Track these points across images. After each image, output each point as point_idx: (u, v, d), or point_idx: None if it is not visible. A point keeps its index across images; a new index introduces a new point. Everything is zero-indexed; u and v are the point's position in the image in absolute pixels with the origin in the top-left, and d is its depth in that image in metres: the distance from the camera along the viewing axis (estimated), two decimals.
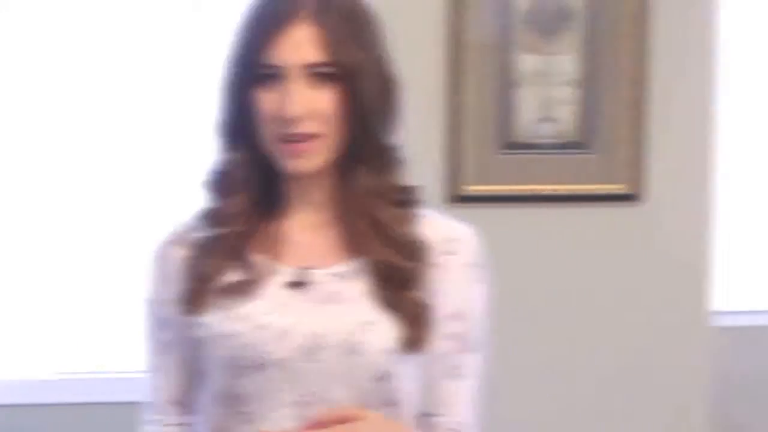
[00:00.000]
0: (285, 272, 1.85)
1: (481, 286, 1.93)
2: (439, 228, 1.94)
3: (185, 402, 2.02)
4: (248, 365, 1.84)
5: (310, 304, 1.84)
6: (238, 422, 1.88)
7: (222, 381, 1.88)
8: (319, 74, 1.71)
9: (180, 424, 2.05)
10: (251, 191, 1.89)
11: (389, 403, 1.85)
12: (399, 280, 1.83)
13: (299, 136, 1.71)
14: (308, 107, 1.73)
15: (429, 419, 1.94)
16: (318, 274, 1.84)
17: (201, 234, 1.94)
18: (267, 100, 1.73)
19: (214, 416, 1.94)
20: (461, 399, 1.96)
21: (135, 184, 3.86)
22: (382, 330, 1.80)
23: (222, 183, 1.92)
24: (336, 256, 1.90)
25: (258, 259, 1.88)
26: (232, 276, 1.85)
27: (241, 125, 1.84)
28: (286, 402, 1.84)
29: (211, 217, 1.92)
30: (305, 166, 1.77)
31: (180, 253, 1.93)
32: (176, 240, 1.97)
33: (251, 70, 1.77)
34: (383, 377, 1.83)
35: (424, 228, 1.90)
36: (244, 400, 1.87)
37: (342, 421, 1.74)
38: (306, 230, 1.94)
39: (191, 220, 1.97)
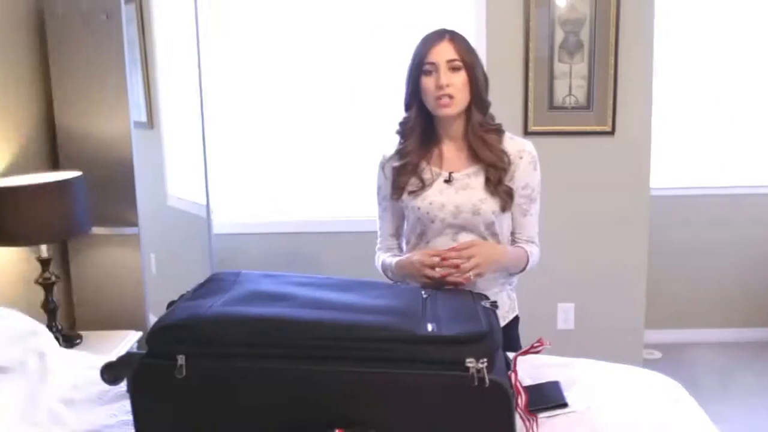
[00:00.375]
0: (443, 174, 2.96)
1: (536, 172, 3.00)
2: (515, 144, 2.98)
3: (395, 234, 3.21)
4: (427, 219, 2.98)
5: (454, 191, 2.94)
6: (423, 244, 3.02)
7: (416, 225, 3.02)
8: (453, 66, 2.84)
9: (393, 246, 3.22)
10: (419, 132, 3.00)
11: (493, 235, 2.98)
12: (498, 179, 2.90)
13: (446, 96, 2.84)
14: (449, 82, 2.84)
15: (514, 237, 3.07)
16: (457, 175, 2.94)
17: (395, 155, 3.05)
18: (428, 81, 2.85)
19: (413, 241, 3.08)
20: (529, 225, 3.06)
21: (363, 132, 5.52)
22: (489, 203, 2.90)
23: (403, 128, 3.03)
24: (466, 163, 2.97)
25: (428, 168, 2.98)
26: (416, 180, 2.97)
27: (413, 97, 2.95)
28: (446, 235, 2.99)
29: (400, 148, 3.04)
30: (449, 112, 2.88)
31: (388, 164, 3.06)
32: (385, 156, 3.09)
33: (420, 66, 2.86)
34: (491, 224, 2.95)
35: (507, 144, 2.96)
36: (425, 234, 3.02)
37: (469, 246, 2.77)
38: (451, 150, 3.00)
39: (395, 146, 3.07)
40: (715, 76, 6.30)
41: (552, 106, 5.21)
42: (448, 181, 2.94)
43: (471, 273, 2.71)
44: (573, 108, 5.20)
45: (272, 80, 5.60)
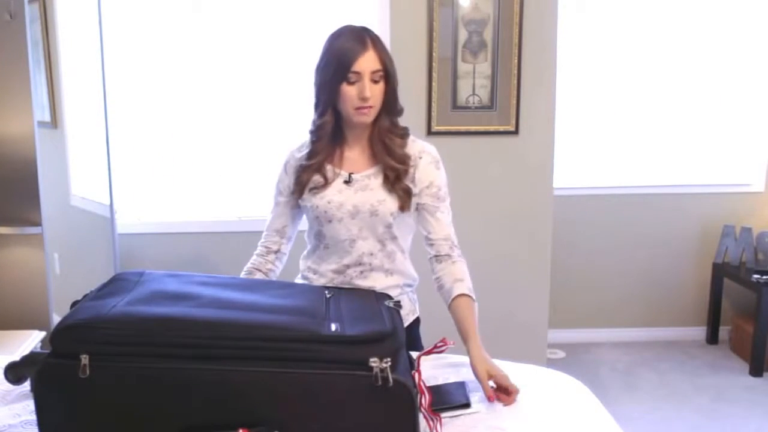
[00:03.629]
0: (343, 175, 2.97)
1: (440, 171, 3.02)
2: (416, 146, 3.01)
3: (280, 232, 3.18)
4: (325, 219, 2.98)
5: (353, 191, 2.94)
6: (321, 247, 3.05)
7: (314, 224, 3.04)
8: (375, 76, 2.81)
9: (272, 245, 3.20)
10: (330, 135, 2.96)
11: (392, 238, 3.00)
12: (396, 176, 2.91)
13: (366, 107, 2.82)
14: (372, 93, 2.80)
15: (429, 239, 3.04)
16: (357, 176, 2.96)
17: (305, 155, 3.02)
18: (350, 89, 2.80)
19: (312, 242, 3.10)
20: (443, 225, 3.01)
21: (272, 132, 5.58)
22: (387, 204, 2.91)
23: (317, 131, 2.97)
24: (366, 164, 2.98)
25: (330, 168, 2.98)
26: (319, 178, 2.96)
27: (328, 102, 2.89)
28: (343, 237, 2.96)
29: (311, 149, 3.00)
30: (367, 120, 2.88)
31: (295, 162, 3.04)
32: (293, 154, 3.07)
33: (343, 74, 2.78)
34: (389, 225, 2.96)
35: (409, 147, 2.98)
36: (323, 234, 3.02)
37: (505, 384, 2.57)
38: (354, 151, 3.00)
39: (302, 145, 3.06)
40: (618, 77, 6.46)
41: (455, 106, 5.25)
42: (347, 181, 2.95)
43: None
44: (476, 108, 5.24)
45: (176, 80, 5.62)
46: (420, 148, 2.99)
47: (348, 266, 2.99)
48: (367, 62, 2.78)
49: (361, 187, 2.93)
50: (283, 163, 3.12)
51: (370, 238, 2.97)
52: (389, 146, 2.92)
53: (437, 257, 3.00)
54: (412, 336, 3.08)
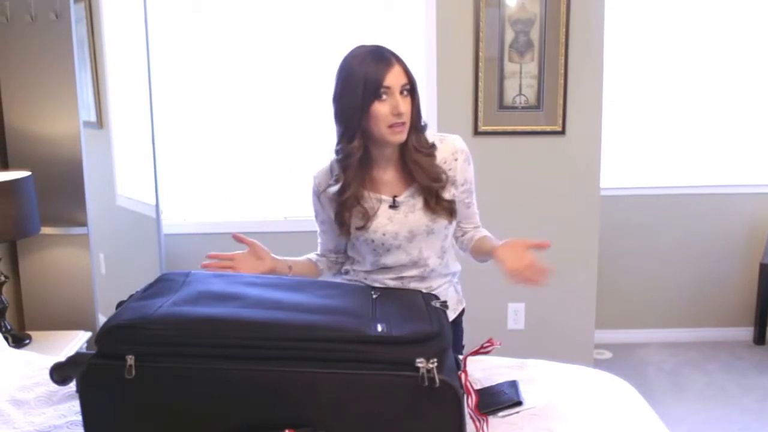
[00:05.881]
0: (386, 200, 2.90)
1: (470, 165, 3.00)
2: (446, 146, 2.96)
3: (335, 251, 3.18)
4: (383, 249, 2.96)
5: (403, 215, 2.90)
6: (379, 265, 3.00)
7: (371, 256, 2.99)
8: (405, 90, 2.74)
9: (332, 260, 3.21)
10: (359, 162, 2.84)
11: (444, 237, 3.01)
12: (435, 196, 2.89)
13: (400, 123, 2.73)
14: (406, 108, 2.74)
15: (461, 226, 3.10)
16: (401, 198, 2.91)
17: (337, 190, 2.89)
18: (382, 107, 2.71)
19: (370, 261, 3.01)
20: (474, 215, 3.11)
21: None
22: (441, 219, 2.93)
23: (346, 159, 2.84)
24: (403, 185, 2.92)
25: (368, 195, 2.90)
26: (361, 211, 2.88)
27: (357, 127, 2.77)
28: (404, 261, 2.97)
29: (342, 182, 2.87)
30: (402, 138, 2.79)
31: (328, 196, 2.94)
32: (321, 183, 2.98)
33: (375, 92, 2.69)
34: (445, 237, 3.01)
35: (439, 150, 2.91)
36: (384, 262, 2.98)
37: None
38: (387, 174, 2.93)
39: (325, 170, 2.97)
40: (665, 75, 6.33)
41: (502, 106, 5.21)
42: (393, 206, 2.90)
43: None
44: (523, 108, 5.21)
45: (221, 79, 5.59)
46: (452, 149, 2.95)
47: (406, 277, 3.00)
48: (395, 77, 2.71)
49: (409, 209, 2.90)
50: (312, 191, 3.03)
51: (432, 255, 2.98)
52: (421, 164, 2.86)
53: (464, 234, 3.13)
54: (456, 326, 3.13)
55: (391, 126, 2.71)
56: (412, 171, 2.85)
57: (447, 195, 2.91)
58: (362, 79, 2.68)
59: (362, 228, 2.89)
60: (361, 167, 2.85)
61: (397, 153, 2.87)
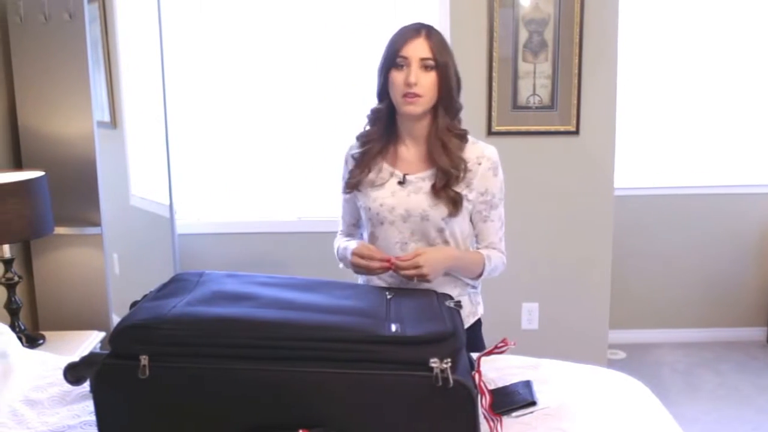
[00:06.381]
0: (397, 175, 2.92)
1: (497, 177, 2.94)
2: (475, 149, 2.93)
3: (356, 225, 3.20)
4: (377, 220, 2.97)
5: (406, 193, 2.90)
6: (374, 245, 2.96)
7: (368, 227, 3.02)
8: (425, 65, 2.78)
9: (353, 233, 3.21)
10: (385, 124, 2.93)
11: (445, 241, 2.96)
12: (445, 182, 2.84)
13: (412, 94, 2.77)
14: (418, 80, 2.76)
15: (476, 243, 3.05)
16: (411, 177, 2.91)
17: (358, 143, 3.01)
18: (398, 76, 2.79)
19: (369, 229, 3.04)
20: (490, 232, 3.02)
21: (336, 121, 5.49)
22: (439, 209, 2.87)
23: (373, 114, 2.96)
24: (422, 166, 2.92)
25: (385, 166, 2.96)
26: (371, 175, 2.94)
27: (383, 91, 2.89)
28: (395, 240, 2.96)
29: (363, 137, 2.99)
30: (414, 110, 2.82)
31: (351, 158, 3.04)
32: (352, 147, 3.06)
33: (392, 59, 2.80)
34: (441, 230, 2.92)
35: (467, 150, 2.90)
36: (376, 236, 2.99)
37: (415, 256, 2.73)
38: (409, 151, 2.96)
39: (358, 138, 3.04)
40: (679, 75, 6.32)
41: (516, 106, 5.19)
42: (401, 182, 2.91)
43: (415, 280, 2.71)
44: (537, 108, 5.19)
45: (235, 79, 5.58)
46: (479, 153, 2.92)
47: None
48: (415, 49, 2.78)
49: (414, 190, 2.90)
50: (345, 156, 3.11)
51: (421, 241, 2.94)
52: (447, 146, 2.86)
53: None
54: (473, 337, 3.05)
55: (404, 96, 2.78)
56: (434, 152, 2.86)
57: (458, 188, 2.88)
58: (388, 46, 2.83)
59: (365, 191, 2.98)
60: (387, 134, 2.96)
61: (425, 131, 2.91)
